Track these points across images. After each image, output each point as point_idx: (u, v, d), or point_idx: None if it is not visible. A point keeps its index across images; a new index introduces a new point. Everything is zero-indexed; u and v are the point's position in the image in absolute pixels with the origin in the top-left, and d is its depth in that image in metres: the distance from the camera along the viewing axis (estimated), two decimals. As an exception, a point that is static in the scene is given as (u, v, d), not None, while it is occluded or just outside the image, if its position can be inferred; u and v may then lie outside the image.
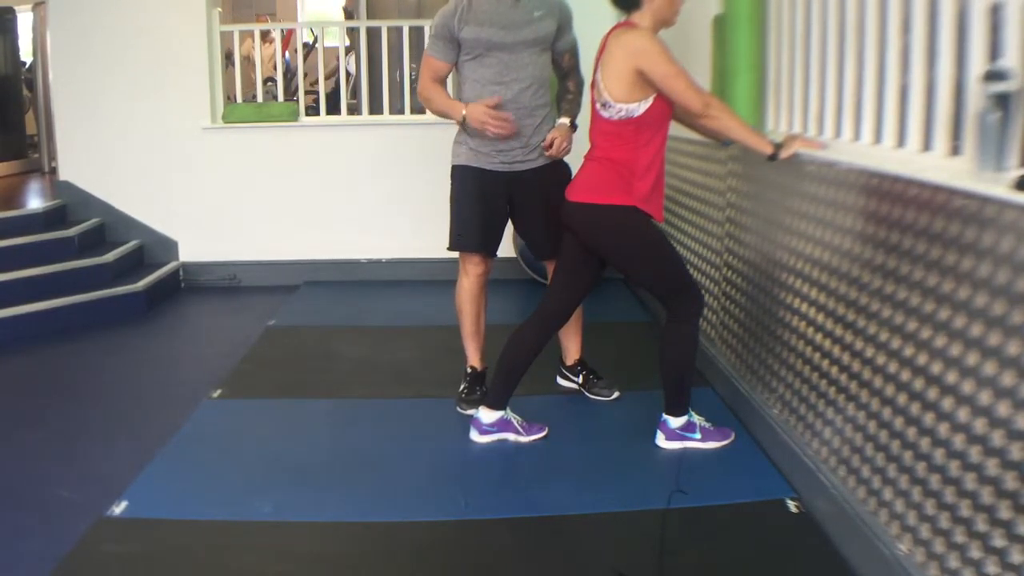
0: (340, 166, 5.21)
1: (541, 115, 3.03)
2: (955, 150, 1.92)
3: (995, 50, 1.75)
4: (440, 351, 3.84)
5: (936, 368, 1.81)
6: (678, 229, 4.03)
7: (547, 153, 3.02)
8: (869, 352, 2.10)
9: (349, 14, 7.26)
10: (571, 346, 3.34)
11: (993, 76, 1.67)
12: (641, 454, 2.79)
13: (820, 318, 2.39)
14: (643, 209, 2.64)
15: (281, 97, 5.56)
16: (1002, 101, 1.65)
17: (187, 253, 5.27)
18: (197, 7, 5.01)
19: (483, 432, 2.88)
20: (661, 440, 2.82)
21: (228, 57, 6.16)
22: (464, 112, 2.94)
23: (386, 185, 5.19)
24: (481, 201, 3.07)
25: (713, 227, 3.46)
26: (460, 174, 3.12)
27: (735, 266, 3.17)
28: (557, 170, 3.07)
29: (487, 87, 2.98)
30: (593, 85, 2.66)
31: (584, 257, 2.80)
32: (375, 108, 5.45)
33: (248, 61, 7.39)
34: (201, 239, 5.24)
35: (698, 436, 2.80)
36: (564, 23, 3.06)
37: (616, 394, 3.28)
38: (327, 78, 5.86)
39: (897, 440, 1.97)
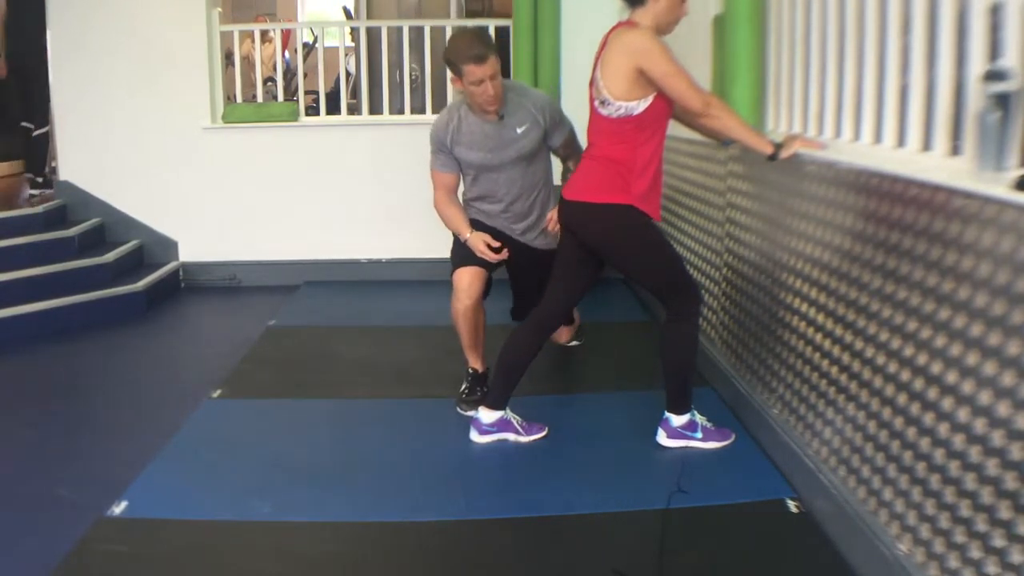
0: (340, 166, 5.21)
1: (536, 214, 3.20)
2: (955, 150, 1.92)
3: (995, 50, 1.75)
4: (440, 351, 3.83)
5: (936, 368, 1.81)
6: (678, 229, 4.03)
7: (549, 228, 3.12)
8: (869, 352, 2.10)
9: (349, 14, 7.26)
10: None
11: (993, 76, 1.67)
12: (641, 454, 2.79)
13: (820, 318, 2.39)
14: (641, 208, 2.64)
15: (281, 97, 5.56)
16: (1002, 101, 1.65)
17: (187, 253, 5.27)
18: (197, 7, 5.01)
19: (483, 432, 2.88)
20: (663, 438, 2.82)
21: (228, 57, 6.15)
22: (467, 236, 3.09)
23: (386, 185, 5.19)
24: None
25: (713, 227, 3.46)
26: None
27: (735, 266, 3.17)
28: (551, 255, 3.02)
29: (482, 198, 3.19)
30: (592, 83, 2.66)
31: (582, 256, 2.80)
32: (375, 108, 5.45)
33: (247, 61, 7.39)
34: (201, 239, 5.24)
35: (699, 436, 2.80)
36: (552, 123, 3.11)
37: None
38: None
39: (897, 440, 1.97)
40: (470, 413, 3.04)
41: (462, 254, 3.12)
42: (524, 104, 3.08)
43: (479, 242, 3.07)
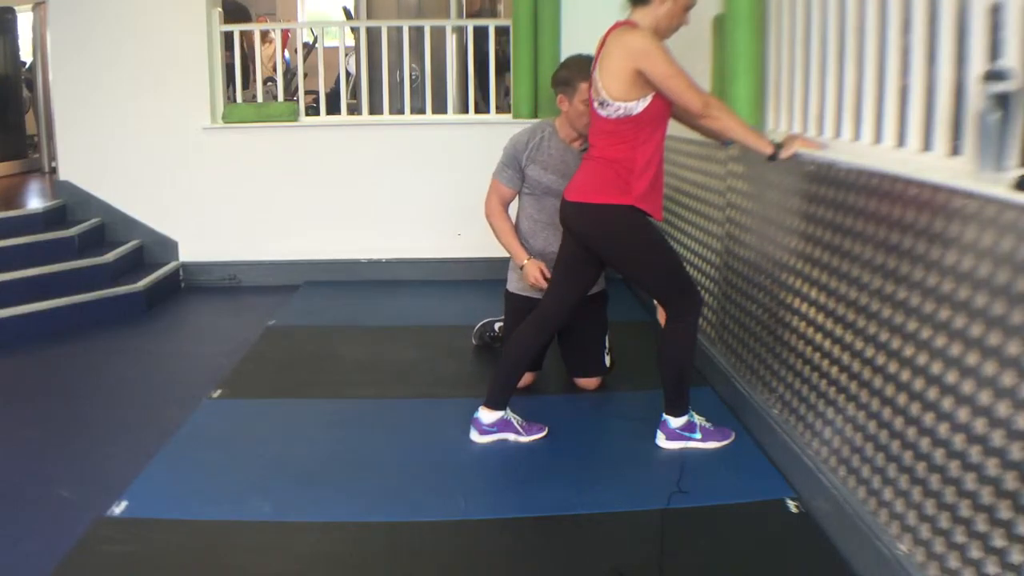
0: (340, 166, 5.21)
1: None
2: (955, 150, 1.92)
3: (995, 50, 1.75)
4: (440, 351, 3.84)
5: (936, 368, 1.81)
6: (678, 229, 4.03)
7: None
8: (869, 352, 2.10)
9: (349, 14, 7.25)
10: None
11: (993, 76, 1.67)
12: (641, 454, 2.79)
13: (820, 318, 2.39)
14: (641, 208, 2.64)
15: (281, 97, 5.57)
16: (1002, 101, 1.65)
17: (187, 253, 5.26)
18: (197, 7, 5.01)
19: (483, 432, 2.88)
20: (661, 440, 2.82)
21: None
22: (524, 263, 3.22)
23: (386, 185, 5.19)
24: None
25: (713, 227, 3.46)
26: (511, 299, 3.43)
27: (735, 266, 3.17)
28: (595, 298, 3.26)
29: (538, 224, 3.28)
30: (591, 84, 2.66)
31: (583, 256, 2.80)
32: (375, 108, 5.45)
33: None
34: (201, 239, 5.24)
35: (698, 436, 2.80)
36: None
37: None
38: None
39: (897, 440, 1.97)
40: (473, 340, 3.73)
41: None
42: None
43: (535, 269, 3.18)
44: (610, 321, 3.44)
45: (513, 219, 3.38)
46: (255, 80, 6.35)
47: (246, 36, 6.27)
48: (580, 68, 3.07)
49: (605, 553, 2.24)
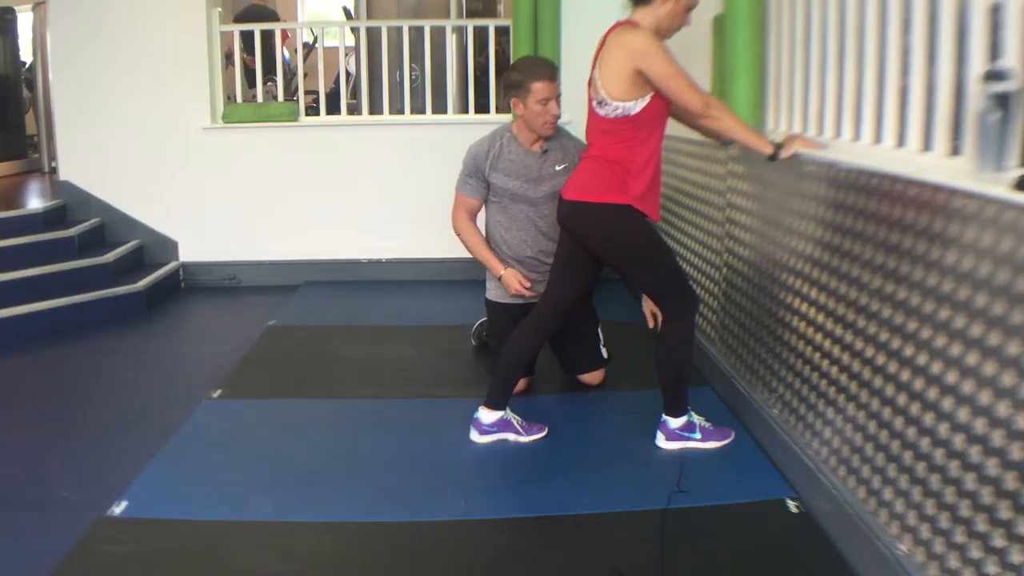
0: (340, 166, 5.21)
1: None
2: (955, 150, 1.92)
3: (995, 50, 1.75)
4: (440, 351, 3.84)
5: (936, 368, 1.81)
6: (677, 229, 4.03)
7: None
8: (869, 352, 2.10)
9: (349, 14, 7.25)
10: None
11: (993, 76, 1.67)
12: (641, 454, 2.79)
13: (820, 318, 2.39)
14: (639, 208, 2.64)
15: (281, 97, 5.57)
16: (1002, 101, 1.65)
17: (187, 253, 5.26)
18: (197, 7, 5.01)
19: (483, 432, 2.88)
20: (661, 440, 2.82)
21: (228, 57, 6.15)
22: (502, 273, 3.21)
23: (386, 185, 5.19)
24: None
25: (713, 227, 3.46)
26: (492, 307, 3.40)
27: (735, 266, 3.17)
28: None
29: (509, 232, 3.25)
30: (590, 83, 2.66)
31: (581, 256, 2.79)
32: (375, 108, 5.45)
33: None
34: (201, 239, 5.24)
35: (698, 436, 2.80)
36: None
37: None
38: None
39: (897, 440, 1.97)
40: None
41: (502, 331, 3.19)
42: (565, 145, 3.20)
43: (514, 279, 3.19)
44: (610, 320, 3.45)
45: (482, 231, 3.37)
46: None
47: (267, 37, 6.27)
48: (531, 69, 3.07)
49: (605, 553, 2.24)
